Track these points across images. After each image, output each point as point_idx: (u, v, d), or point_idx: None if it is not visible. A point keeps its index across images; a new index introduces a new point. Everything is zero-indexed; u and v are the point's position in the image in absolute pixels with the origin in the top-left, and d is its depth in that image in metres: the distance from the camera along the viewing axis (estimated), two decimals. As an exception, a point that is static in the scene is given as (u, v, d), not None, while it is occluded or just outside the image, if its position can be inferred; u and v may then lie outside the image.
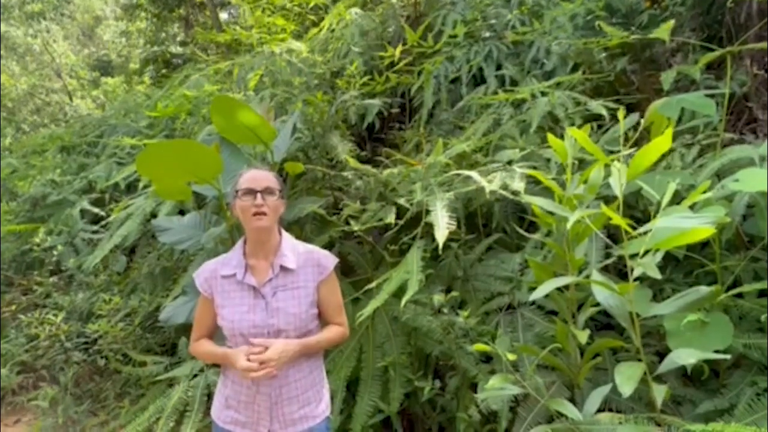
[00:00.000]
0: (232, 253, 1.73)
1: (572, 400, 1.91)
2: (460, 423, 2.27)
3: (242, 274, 1.65)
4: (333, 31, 5.18)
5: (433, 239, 2.25)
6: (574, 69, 3.48)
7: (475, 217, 2.96)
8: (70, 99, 14.15)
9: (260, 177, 1.65)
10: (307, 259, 1.70)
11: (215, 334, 1.78)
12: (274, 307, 1.62)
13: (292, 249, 1.71)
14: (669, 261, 2.28)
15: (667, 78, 2.73)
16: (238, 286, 1.65)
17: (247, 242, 1.70)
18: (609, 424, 1.67)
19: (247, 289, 1.64)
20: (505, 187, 2.37)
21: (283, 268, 1.66)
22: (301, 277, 1.67)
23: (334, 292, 1.76)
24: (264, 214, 1.60)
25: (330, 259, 1.74)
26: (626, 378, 1.53)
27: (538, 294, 1.69)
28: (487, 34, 4.20)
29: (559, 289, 1.79)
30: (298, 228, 3.14)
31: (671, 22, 2.67)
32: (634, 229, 1.69)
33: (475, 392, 2.28)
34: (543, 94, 3.24)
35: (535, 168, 2.59)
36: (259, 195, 1.60)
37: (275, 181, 1.68)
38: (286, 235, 1.75)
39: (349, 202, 2.91)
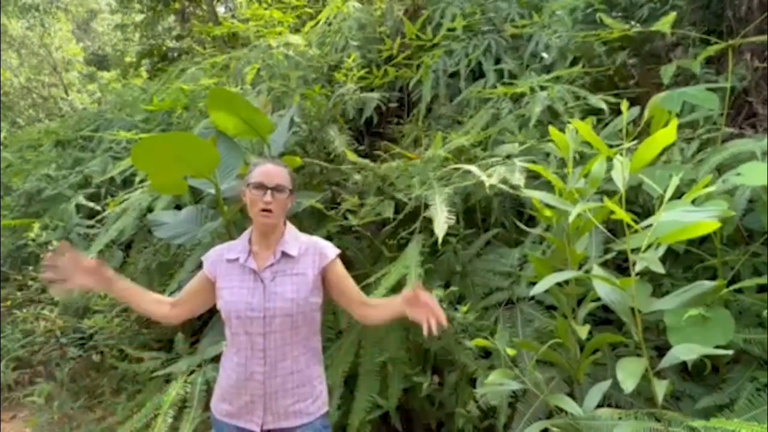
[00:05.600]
0: (239, 239, 1.77)
1: (572, 396, 1.90)
2: (459, 418, 2.26)
3: (245, 258, 1.69)
4: (330, 24, 5.14)
5: (432, 234, 2.24)
6: (574, 63, 3.46)
7: (473, 212, 2.95)
8: (66, 93, 14.05)
9: (273, 173, 1.66)
10: (309, 248, 1.73)
11: (191, 308, 1.77)
12: (272, 291, 1.64)
13: (295, 238, 1.75)
14: (668, 256, 2.27)
15: (667, 72, 2.72)
16: (240, 270, 1.69)
17: (253, 231, 1.74)
18: (609, 420, 1.66)
19: (248, 273, 1.67)
20: (504, 181, 2.36)
21: (285, 254, 1.69)
22: (301, 264, 1.69)
23: (345, 274, 1.77)
24: (270, 211, 1.63)
25: (332, 248, 1.77)
26: (628, 374, 1.52)
27: (539, 289, 1.68)
28: (486, 28, 4.18)
29: (558, 283, 1.77)
30: (296, 222, 3.11)
31: (673, 15, 2.65)
32: (635, 223, 1.67)
33: (474, 387, 2.27)
34: (542, 88, 3.22)
35: (534, 162, 2.57)
36: (269, 192, 1.62)
37: (287, 178, 1.70)
38: (290, 225, 1.78)
39: (347, 197, 2.89)
